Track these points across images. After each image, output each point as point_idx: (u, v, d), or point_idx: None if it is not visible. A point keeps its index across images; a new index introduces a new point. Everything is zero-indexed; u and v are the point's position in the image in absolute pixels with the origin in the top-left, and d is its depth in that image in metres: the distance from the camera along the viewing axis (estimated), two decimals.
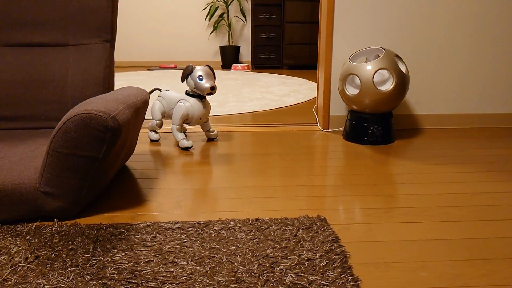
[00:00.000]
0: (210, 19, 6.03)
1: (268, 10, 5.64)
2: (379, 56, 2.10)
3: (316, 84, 4.18)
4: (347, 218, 1.33)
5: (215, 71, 5.48)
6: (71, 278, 0.99)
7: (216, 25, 5.99)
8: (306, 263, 1.05)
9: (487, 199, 1.47)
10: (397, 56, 2.13)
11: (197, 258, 1.08)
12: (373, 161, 1.88)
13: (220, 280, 0.98)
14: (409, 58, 2.40)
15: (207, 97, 2.11)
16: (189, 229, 1.22)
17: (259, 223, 1.26)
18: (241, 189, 1.55)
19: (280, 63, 5.82)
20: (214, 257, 1.08)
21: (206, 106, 2.06)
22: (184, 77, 2.02)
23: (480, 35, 2.40)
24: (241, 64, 5.66)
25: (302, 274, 1.00)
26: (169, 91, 2.15)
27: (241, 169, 1.78)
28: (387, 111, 2.13)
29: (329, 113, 2.44)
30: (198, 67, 2.01)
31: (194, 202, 1.45)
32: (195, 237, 1.18)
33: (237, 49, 5.92)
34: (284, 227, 1.23)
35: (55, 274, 1.01)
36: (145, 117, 2.72)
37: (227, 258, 1.07)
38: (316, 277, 0.99)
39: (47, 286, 0.96)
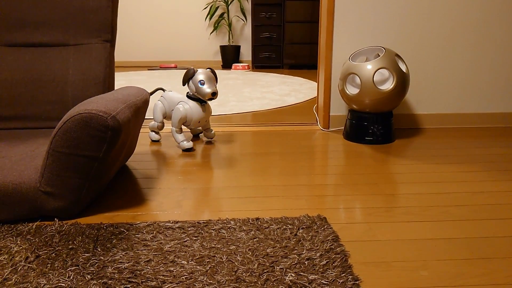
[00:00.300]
0: (210, 18, 6.02)
1: (269, 9, 5.64)
2: (379, 56, 2.10)
3: (316, 84, 4.18)
4: (347, 217, 1.33)
5: (215, 71, 5.48)
6: (71, 278, 0.99)
7: (216, 25, 5.99)
8: (306, 262, 1.05)
9: (487, 198, 1.47)
10: (397, 55, 2.13)
11: (197, 257, 1.08)
12: (374, 160, 1.88)
13: (220, 280, 0.98)
14: (410, 57, 2.40)
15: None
16: (189, 229, 1.22)
17: (259, 223, 1.26)
18: (241, 189, 1.55)
19: (281, 63, 5.82)
20: (214, 256, 1.08)
21: (206, 109, 2.03)
22: (185, 81, 1.99)
23: (480, 35, 2.40)
24: (241, 64, 5.66)
25: (302, 274, 1.00)
26: (171, 92, 2.13)
27: (242, 168, 1.78)
28: (387, 110, 2.13)
29: (330, 113, 2.44)
30: (199, 71, 1.97)
31: (194, 201, 1.45)
32: (195, 237, 1.18)
33: (237, 48, 5.92)
34: (284, 227, 1.23)
35: (56, 273, 1.01)
36: (147, 117, 2.72)
37: (227, 258, 1.07)
38: (316, 276, 0.99)
39: (48, 286, 0.96)
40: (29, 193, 1.26)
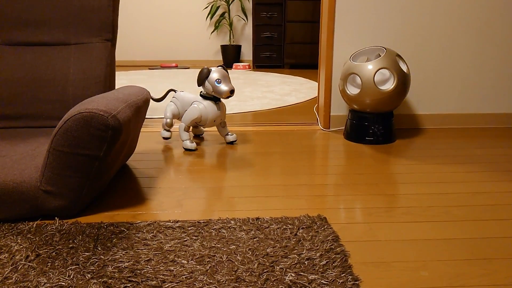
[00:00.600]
0: (211, 18, 6.02)
1: (270, 9, 5.64)
2: (380, 56, 2.10)
3: (317, 84, 4.18)
4: (347, 217, 1.33)
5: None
6: (71, 277, 0.99)
7: (217, 24, 5.99)
8: (306, 262, 1.05)
9: (488, 199, 1.47)
10: (398, 55, 2.12)
11: (197, 257, 1.08)
12: (374, 160, 1.88)
13: (220, 279, 0.98)
14: (411, 57, 2.40)
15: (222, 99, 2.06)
16: (189, 228, 1.22)
17: (259, 222, 1.26)
18: (242, 188, 1.55)
19: (281, 63, 5.82)
20: (214, 256, 1.08)
21: (221, 108, 2.01)
22: (202, 81, 1.96)
23: (482, 35, 2.39)
24: (242, 63, 5.66)
25: (302, 273, 1.00)
26: (183, 92, 2.10)
27: (242, 168, 1.78)
28: (388, 110, 2.13)
29: (330, 113, 2.43)
30: (213, 69, 1.95)
31: (195, 201, 1.45)
32: (196, 236, 1.18)
33: (238, 48, 5.92)
34: (284, 226, 1.23)
35: (56, 272, 1.01)
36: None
37: (227, 257, 1.07)
38: (316, 276, 0.99)
39: (48, 284, 0.96)
40: (30, 192, 1.26)
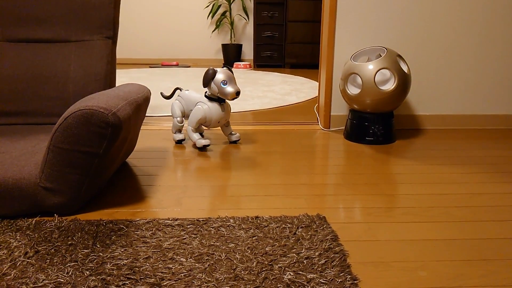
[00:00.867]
0: (212, 17, 6.02)
1: (271, 8, 5.63)
2: (381, 56, 2.10)
3: (317, 83, 4.18)
4: (347, 217, 1.33)
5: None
6: (70, 273, 0.99)
7: (218, 23, 5.99)
8: (305, 261, 1.05)
9: (487, 200, 1.47)
10: (399, 56, 2.12)
11: (196, 255, 1.08)
12: (374, 160, 1.88)
13: (219, 277, 0.98)
14: (411, 58, 2.40)
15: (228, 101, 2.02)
16: (188, 226, 1.22)
17: (258, 221, 1.26)
18: (241, 187, 1.55)
19: (282, 62, 5.82)
20: (213, 254, 1.08)
21: (226, 109, 2.00)
22: (208, 83, 1.93)
23: (483, 36, 2.39)
24: (243, 63, 5.65)
25: (300, 272, 1.00)
26: (188, 91, 2.08)
27: (242, 167, 1.78)
28: (388, 111, 2.13)
29: (330, 112, 2.43)
30: (219, 70, 1.93)
31: (194, 199, 1.45)
32: (195, 234, 1.18)
33: (239, 47, 5.92)
34: (283, 225, 1.23)
35: (55, 269, 1.01)
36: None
37: (226, 256, 1.07)
38: (314, 276, 0.99)
39: (46, 281, 0.96)
40: (29, 189, 1.26)
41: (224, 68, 1.96)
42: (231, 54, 5.89)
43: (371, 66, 2.03)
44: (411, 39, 2.37)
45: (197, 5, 6.12)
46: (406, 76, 2.07)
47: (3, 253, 1.07)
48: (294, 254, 1.08)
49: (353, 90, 2.14)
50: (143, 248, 1.11)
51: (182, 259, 1.06)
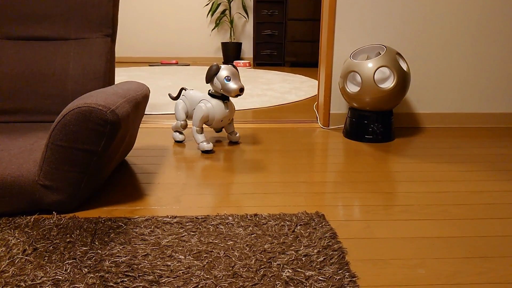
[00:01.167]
0: (212, 15, 6.02)
1: (271, 7, 5.63)
2: (380, 54, 2.10)
3: (317, 82, 4.18)
4: (345, 214, 1.33)
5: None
6: (68, 271, 0.99)
7: (218, 22, 5.98)
8: (303, 258, 1.05)
9: (486, 197, 1.47)
10: (398, 54, 2.12)
11: (194, 252, 1.08)
12: (373, 158, 1.88)
13: (217, 275, 0.98)
14: (411, 56, 2.40)
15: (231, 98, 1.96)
16: (187, 224, 1.22)
17: (257, 219, 1.26)
18: (241, 185, 1.55)
19: (282, 60, 5.81)
20: (212, 251, 1.08)
21: (229, 107, 1.94)
22: (210, 78, 1.89)
23: (482, 34, 2.39)
24: (242, 61, 5.65)
25: (299, 270, 1.00)
26: (192, 91, 2.04)
27: (241, 164, 1.78)
28: (387, 109, 2.13)
29: (330, 111, 2.43)
30: (223, 67, 1.89)
31: (193, 197, 1.45)
32: (193, 232, 1.18)
33: (238, 45, 5.92)
34: (282, 223, 1.23)
35: (53, 266, 1.01)
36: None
37: (224, 253, 1.07)
38: (313, 273, 0.99)
39: (45, 278, 0.96)
40: (28, 186, 1.26)
41: (230, 65, 1.92)
42: (231, 53, 5.88)
43: (370, 64, 2.03)
44: (410, 37, 2.37)
45: (196, 4, 6.11)
46: (405, 74, 2.07)
47: (2, 251, 1.07)
48: (293, 252, 1.08)
49: (352, 88, 2.14)
50: (142, 245, 1.11)
51: (180, 256, 1.06)
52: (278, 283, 0.95)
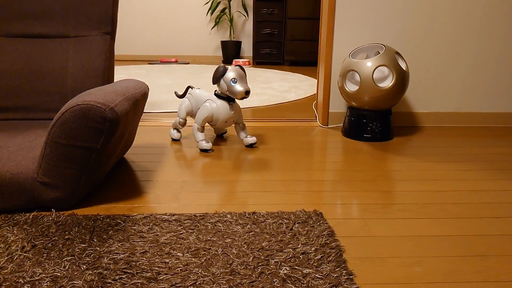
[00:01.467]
0: (211, 13, 6.01)
1: (270, 5, 5.63)
2: (379, 53, 2.10)
3: (316, 81, 4.18)
4: (344, 213, 1.33)
5: (216, 66, 5.48)
6: (67, 267, 1.00)
7: (217, 20, 5.98)
8: (301, 256, 1.05)
9: (484, 197, 1.47)
10: (397, 53, 2.12)
11: (192, 249, 1.08)
12: (372, 157, 1.88)
13: (215, 272, 0.99)
14: (410, 55, 2.40)
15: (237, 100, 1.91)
16: (185, 221, 1.23)
17: (255, 217, 1.26)
18: (239, 183, 1.56)
19: (281, 59, 5.81)
20: (210, 249, 1.08)
21: (235, 109, 1.92)
22: (217, 80, 1.88)
23: (481, 34, 2.39)
24: (242, 60, 5.65)
25: (296, 267, 1.01)
26: (199, 90, 2.02)
27: (240, 163, 1.78)
28: (386, 108, 2.13)
29: (329, 109, 2.44)
30: (230, 68, 1.87)
31: (192, 194, 1.45)
32: (192, 229, 1.18)
33: (238, 44, 5.91)
34: (280, 221, 1.23)
35: (51, 263, 1.01)
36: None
37: (222, 250, 1.08)
38: (310, 270, 0.99)
39: (43, 275, 0.96)
40: (27, 184, 1.26)
41: (237, 66, 1.89)
42: (230, 51, 5.88)
43: (369, 63, 2.03)
44: (409, 37, 2.37)
45: (196, 2, 6.11)
46: (404, 74, 2.07)
47: (0, 247, 1.08)
48: (290, 249, 1.08)
49: (351, 87, 2.15)
50: (140, 242, 1.11)
51: (178, 253, 1.06)
52: (276, 281, 0.96)
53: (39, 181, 1.27)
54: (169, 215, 1.27)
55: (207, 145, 1.91)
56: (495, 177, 1.65)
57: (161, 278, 0.96)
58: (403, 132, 2.33)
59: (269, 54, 5.78)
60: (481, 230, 1.23)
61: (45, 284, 0.93)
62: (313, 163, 1.79)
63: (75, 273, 0.98)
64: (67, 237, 1.13)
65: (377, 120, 2.13)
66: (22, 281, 0.94)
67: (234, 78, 1.83)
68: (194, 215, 1.27)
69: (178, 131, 2.10)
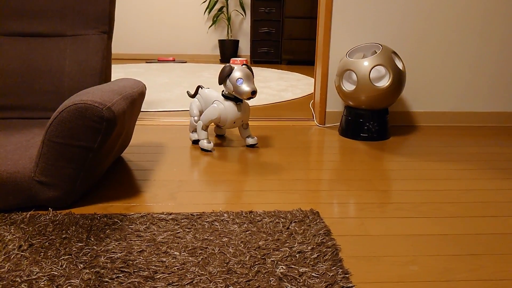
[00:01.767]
0: (209, 12, 6.01)
1: (268, 4, 5.63)
2: (376, 53, 2.11)
3: (313, 80, 4.19)
4: (340, 212, 1.34)
5: (213, 65, 5.48)
6: (64, 266, 1.00)
7: (215, 19, 5.98)
8: (297, 255, 1.06)
9: (479, 196, 1.48)
10: (394, 52, 2.13)
11: (189, 248, 1.09)
12: (368, 156, 1.89)
13: (212, 271, 0.99)
14: (407, 55, 2.41)
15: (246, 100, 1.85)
16: (182, 220, 1.23)
17: (252, 216, 1.27)
18: (236, 182, 1.56)
19: (279, 58, 5.82)
20: (207, 248, 1.09)
21: (243, 109, 1.88)
22: (223, 80, 1.85)
23: (478, 34, 2.40)
24: (239, 58, 5.65)
25: (293, 266, 1.01)
26: (208, 90, 2.00)
27: (237, 162, 1.78)
28: (383, 107, 2.14)
29: (326, 109, 2.44)
30: (236, 68, 1.83)
31: (189, 194, 1.45)
32: (188, 228, 1.19)
33: (236, 43, 5.91)
34: (277, 220, 1.24)
35: (49, 262, 1.02)
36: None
37: (219, 249, 1.08)
38: (306, 269, 1.00)
39: (40, 274, 0.97)
40: (24, 183, 1.27)
41: (243, 66, 1.86)
42: (228, 50, 5.88)
43: (366, 63, 2.04)
44: (406, 36, 2.38)
45: (194, 1, 6.10)
46: (401, 73, 2.08)
47: None
48: (287, 248, 1.09)
49: (348, 87, 2.15)
50: (137, 241, 1.12)
51: (175, 252, 1.07)
52: (272, 279, 0.96)
53: (36, 180, 1.27)
54: (166, 214, 1.27)
55: (208, 146, 1.90)
56: (491, 177, 1.66)
57: (158, 277, 0.97)
58: (399, 132, 2.34)
59: (267, 53, 5.79)
60: (475, 229, 1.24)
61: (42, 283, 0.94)
62: (310, 162, 1.80)
63: (72, 272, 0.98)
64: (64, 236, 1.14)
65: (373, 120, 2.14)
66: (19, 280, 0.95)
67: (240, 78, 1.80)
68: (191, 214, 1.27)
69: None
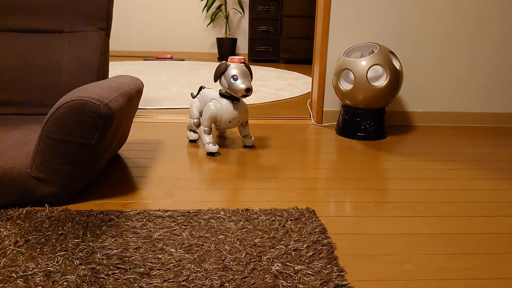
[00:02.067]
0: (207, 10, 6.00)
1: (266, 3, 5.63)
2: (374, 52, 2.11)
3: (311, 79, 4.19)
4: (336, 210, 1.34)
5: (211, 63, 5.48)
6: (60, 262, 1.00)
7: (213, 17, 5.97)
8: (293, 253, 1.06)
9: (474, 196, 1.49)
10: (392, 52, 2.14)
11: (185, 246, 1.09)
12: (365, 156, 1.90)
13: (208, 268, 1.00)
14: (404, 54, 2.42)
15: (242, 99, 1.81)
16: (179, 218, 1.23)
17: (248, 213, 1.27)
18: (233, 180, 1.57)
19: (277, 57, 5.82)
20: (203, 245, 1.09)
21: (240, 108, 1.83)
22: (217, 77, 1.81)
23: (476, 34, 2.41)
24: (237, 57, 5.65)
25: (288, 264, 1.02)
26: (208, 89, 1.96)
27: (234, 160, 1.79)
28: (380, 107, 2.15)
29: (323, 108, 2.45)
30: (232, 65, 1.79)
31: (185, 191, 1.46)
32: (185, 226, 1.19)
33: (234, 41, 5.91)
34: (273, 218, 1.24)
35: (45, 258, 1.02)
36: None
37: (215, 247, 1.09)
38: (302, 267, 1.00)
39: (36, 270, 0.97)
40: (20, 179, 1.26)
41: (241, 64, 1.81)
42: (226, 48, 5.88)
43: (363, 62, 2.04)
44: (404, 36, 2.39)
45: None
46: (398, 73, 2.09)
47: None
48: (283, 246, 1.09)
49: (345, 86, 2.16)
50: (133, 238, 1.12)
51: (171, 249, 1.07)
52: (268, 277, 0.97)
53: (33, 176, 1.27)
54: (162, 211, 1.28)
55: (213, 148, 1.83)
56: (486, 177, 1.67)
57: (154, 273, 0.97)
58: (396, 131, 2.34)
59: (265, 52, 5.79)
60: (471, 229, 1.25)
61: (38, 278, 0.94)
62: (306, 161, 1.80)
63: (68, 268, 0.98)
64: (60, 232, 1.14)
65: (370, 119, 2.14)
66: (15, 276, 0.95)
67: (235, 75, 1.75)
68: (188, 212, 1.28)
69: (195, 132, 2.04)
